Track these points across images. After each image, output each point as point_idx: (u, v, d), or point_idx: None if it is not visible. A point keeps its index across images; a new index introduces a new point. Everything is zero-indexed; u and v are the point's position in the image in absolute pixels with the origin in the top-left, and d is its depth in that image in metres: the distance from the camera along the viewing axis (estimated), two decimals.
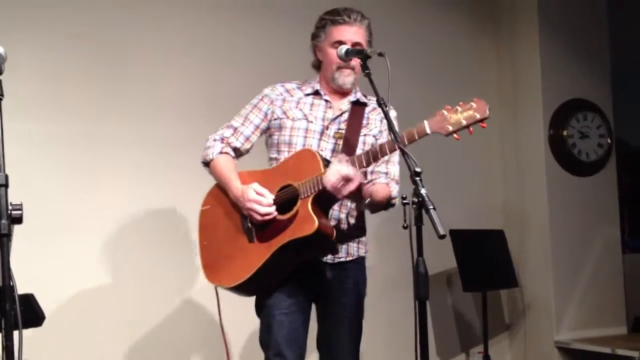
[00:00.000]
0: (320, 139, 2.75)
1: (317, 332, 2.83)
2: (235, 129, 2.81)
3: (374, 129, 2.82)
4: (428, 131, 2.42)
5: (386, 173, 2.81)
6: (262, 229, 2.64)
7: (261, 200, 2.59)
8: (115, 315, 3.76)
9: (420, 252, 2.21)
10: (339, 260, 2.78)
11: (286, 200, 2.60)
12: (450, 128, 2.39)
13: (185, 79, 4.04)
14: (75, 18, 3.82)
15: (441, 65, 4.87)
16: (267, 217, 2.59)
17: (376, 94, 2.44)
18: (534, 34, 4.81)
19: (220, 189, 2.79)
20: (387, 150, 2.48)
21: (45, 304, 3.08)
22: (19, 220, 1.89)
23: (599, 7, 4.97)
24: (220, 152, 2.77)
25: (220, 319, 2.87)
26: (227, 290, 2.74)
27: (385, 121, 2.70)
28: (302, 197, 2.55)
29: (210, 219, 2.82)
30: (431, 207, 2.14)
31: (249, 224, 2.67)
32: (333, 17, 2.76)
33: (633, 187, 5.35)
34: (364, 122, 2.79)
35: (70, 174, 3.74)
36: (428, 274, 2.22)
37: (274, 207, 2.60)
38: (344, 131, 2.75)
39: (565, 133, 4.80)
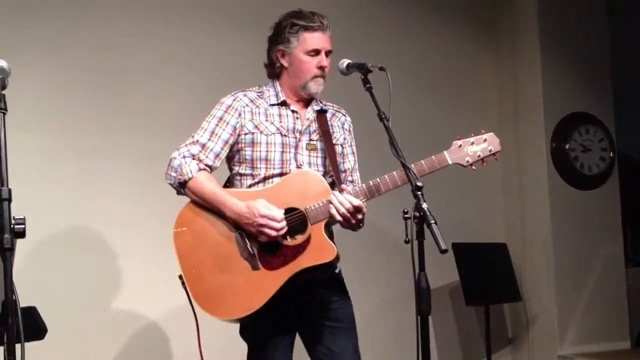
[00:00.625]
0: (296, 153, 2.65)
1: (313, 352, 2.69)
2: (204, 146, 2.60)
3: (340, 137, 2.77)
4: (450, 162, 2.55)
5: (352, 181, 2.79)
6: (268, 255, 2.51)
7: (275, 216, 2.46)
8: (117, 328, 3.76)
9: (422, 267, 2.20)
10: (322, 278, 2.63)
11: (294, 225, 2.52)
12: (469, 160, 2.57)
13: (185, 93, 4.05)
14: (74, 33, 3.84)
15: (442, 79, 4.89)
16: (282, 232, 2.47)
17: (377, 108, 2.43)
18: (535, 48, 4.83)
19: (197, 208, 2.58)
20: (399, 182, 2.49)
21: (47, 316, 3.09)
22: (22, 234, 1.89)
23: (600, 21, 4.99)
24: (199, 169, 2.57)
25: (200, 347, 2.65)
26: (228, 321, 2.57)
27: (345, 128, 2.81)
28: (313, 222, 2.49)
29: (190, 242, 2.57)
30: (432, 221, 2.14)
31: (251, 249, 2.51)
32: (306, 22, 2.65)
33: (636, 200, 5.35)
34: (330, 130, 2.74)
35: (72, 188, 3.75)
36: (430, 289, 2.22)
37: (285, 222, 2.49)
38: (315, 142, 2.69)
39: (567, 146, 4.80)
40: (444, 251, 2.10)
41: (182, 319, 3.88)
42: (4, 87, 1.96)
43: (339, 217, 2.46)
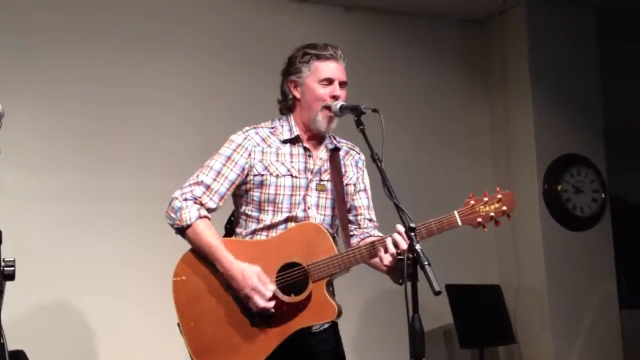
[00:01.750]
0: (305, 194, 2.58)
1: None
2: (208, 187, 2.52)
3: (352, 177, 2.70)
4: (459, 223, 2.41)
5: (370, 220, 2.73)
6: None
7: (264, 292, 2.39)
8: None
9: (415, 309, 2.15)
10: (316, 330, 2.56)
11: (295, 281, 2.45)
12: (480, 220, 2.41)
13: (183, 130, 4.07)
14: (71, 72, 3.86)
15: (435, 121, 4.93)
16: (266, 308, 2.39)
17: (370, 149, 2.41)
18: (526, 90, 4.87)
19: (197, 257, 2.51)
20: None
21: None
22: (11, 277, 1.87)
23: (590, 64, 5.05)
24: (199, 217, 2.48)
25: None
26: None
27: (359, 167, 2.74)
28: (314, 279, 2.42)
29: (189, 292, 2.51)
30: (426, 262, 2.12)
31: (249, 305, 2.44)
32: (318, 51, 2.57)
33: (628, 242, 5.34)
34: (342, 169, 2.66)
35: (64, 228, 3.73)
36: (424, 331, 2.19)
37: (272, 302, 2.40)
38: (325, 183, 2.61)
39: (559, 187, 4.82)
40: (437, 293, 2.07)
41: None
42: None
43: (403, 246, 2.29)
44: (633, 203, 5.56)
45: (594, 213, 4.92)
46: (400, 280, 2.18)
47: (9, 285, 1.90)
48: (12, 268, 1.87)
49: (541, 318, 4.70)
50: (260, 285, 2.39)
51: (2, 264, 1.86)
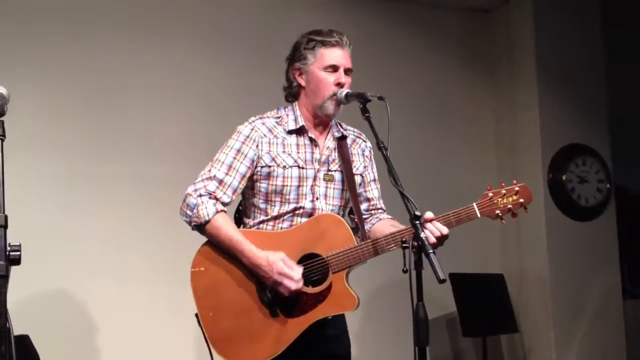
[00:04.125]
0: (313, 185, 2.56)
1: None
2: (221, 181, 2.51)
3: (360, 166, 2.69)
4: (478, 215, 2.44)
5: (382, 210, 2.74)
6: (287, 302, 2.45)
7: (293, 275, 2.39)
8: (110, 356, 3.71)
9: (420, 297, 2.16)
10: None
11: (315, 273, 2.46)
12: (499, 212, 2.45)
13: (184, 117, 4.07)
14: (74, 58, 3.86)
15: (440, 111, 4.92)
16: (297, 290, 2.40)
17: (376, 137, 2.41)
18: (532, 79, 4.85)
19: (214, 248, 2.51)
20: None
21: (40, 345, 3.05)
22: (17, 261, 1.88)
23: (596, 53, 5.02)
24: (217, 212, 2.47)
25: None
26: None
27: (366, 156, 2.72)
28: (334, 270, 2.43)
29: (208, 283, 2.51)
30: (431, 251, 2.12)
31: (269, 296, 2.45)
32: (323, 38, 2.55)
33: (633, 232, 5.34)
34: (350, 158, 2.65)
35: (68, 213, 3.74)
36: (428, 319, 2.19)
37: (302, 282, 2.41)
38: (333, 173, 2.61)
39: (564, 177, 4.81)
40: (442, 281, 2.07)
41: (182, 348, 3.86)
42: (2, 114, 1.95)
43: (433, 240, 2.33)
44: (638, 193, 5.55)
45: (599, 203, 4.91)
46: (405, 268, 2.18)
47: (13, 270, 1.90)
48: (18, 253, 1.87)
49: (544, 307, 4.70)
50: (287, 269, 2.39)
51: (8, 248, 1.87)
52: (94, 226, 3.79)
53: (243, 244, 2.45)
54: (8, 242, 1.88)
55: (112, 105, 3.93)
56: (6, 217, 1.87)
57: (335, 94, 2.54)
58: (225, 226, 2.47)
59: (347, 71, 2.58)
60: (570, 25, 4.95)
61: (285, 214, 2.55)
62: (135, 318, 3.79)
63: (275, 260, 2.40)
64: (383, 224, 2.63)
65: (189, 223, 2.52)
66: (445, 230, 2.38)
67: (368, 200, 2.71)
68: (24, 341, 2.96)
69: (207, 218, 2.46)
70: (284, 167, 2.54)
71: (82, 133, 3.84)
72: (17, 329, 1.95)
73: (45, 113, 3.78)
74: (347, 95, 2.53)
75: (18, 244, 1.88)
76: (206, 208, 2.47)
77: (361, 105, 2.47)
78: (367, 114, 2.45)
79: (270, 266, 2.40)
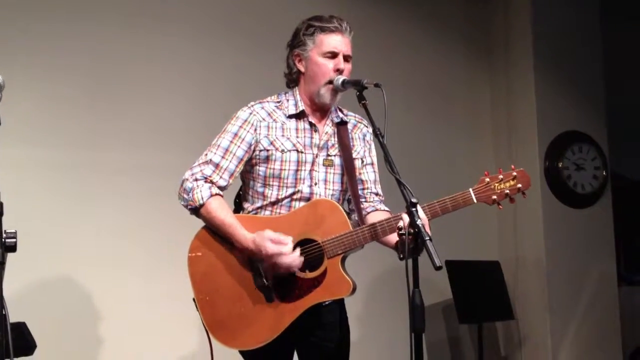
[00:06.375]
0: (311, 170, 2.57)
1: None
2: (217, 165, 2.52)
3: (360, 151, 2.69)
4: (475, 201, 2.43)
5: (377, 194, 2.73)
6: (282, 287, 2.46)
7: (283, 250, 2.38)
8: (108, 344, 3.72)
9: (416, 284, 2.16)
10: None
11: (310, 258, 2.45)
12: (495, 198, 2.44)
13: (184, 105, 4.05)
14: (72, 45, 3.84)
15: (436, 97, 4.91)
16: (297, 266, 2.41)
17: (372, 124, 2.41)
18: (528, 66, 4.85)
19: (211, 233, 2.53)
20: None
21: (36, 332, 3.06)
22: (13, 248, 1.87)
23: (593, 40, 5.02)
24: (211, 195, 2.48)
25: None
26: (240, 352, 2.55)
27: (367, 140, 2.72)
28: (330, 255, 2.43)
29: (204, 268, 2.52)
30: (427, 238, 2.12)
31: (265, 281, 2.44)
32: (322, 23, 2.54)
33: (629, 219, 5.36)
34: (350, 143, 2.64)
35: (65, 201, 3.73)
36: (424, 306, 2.20)
37: (297, 253, 2.41)
38: (333, 158, 2.61)
39: (560, 165, 4.81)
40: (438, 268, 2.07)
41: (181, 336, 3.87)
42: None
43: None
44: (634, 180, 5.57)
45: (595, 190, 4.92)
46: (402, 255, 2.17)
47: (9, 257, 1.90)
48: (14, 240, 1.87)
49: (540, 294, 4.72)
50: (276, 247, 2.38)
51: (4, 235, 1.87)
52: (92, 214, 3.78)
53: (235, 228, 2.45)
54: (4, 229, 1.88)
55: (111, 93, 3.91)
56: (1, 204, 1.87)
57: (331, 81, 2.54)
58: (218, 210, 2.47)
59: (346, 58, 2.58)
60: (568, 13, 4.93)
61: (283, 199, 2.56)
62: (134, 305, 3.79)
63: (261, 242, 2.40)
64: (379, 215, 2.63)
65: (186, 207, 2.53)
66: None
67: (362, 182, 2.70)
68: (20, 328, 2.96)
69: (201, 202, 2.47)
70: (282, 150, 2.54)
71: (80, 121, 3.82)
72: (14, 316, 1.95)
73: (45, 102, 3.76)
74: (343, 82, 2.53)
75: (14, 231, 1.88)
76: (201, 191, 2.48)
77: (358, 93, 2.47)
78: (363, 101, 2.45)
79: (259, 248, 2.40)
